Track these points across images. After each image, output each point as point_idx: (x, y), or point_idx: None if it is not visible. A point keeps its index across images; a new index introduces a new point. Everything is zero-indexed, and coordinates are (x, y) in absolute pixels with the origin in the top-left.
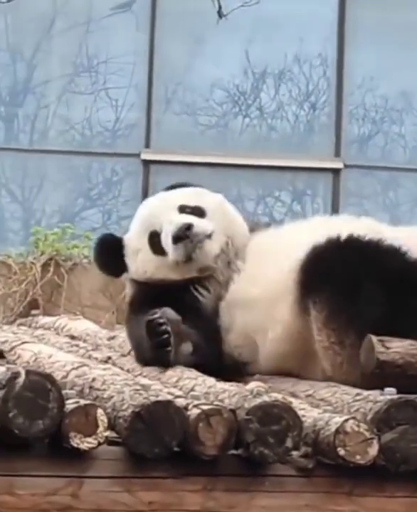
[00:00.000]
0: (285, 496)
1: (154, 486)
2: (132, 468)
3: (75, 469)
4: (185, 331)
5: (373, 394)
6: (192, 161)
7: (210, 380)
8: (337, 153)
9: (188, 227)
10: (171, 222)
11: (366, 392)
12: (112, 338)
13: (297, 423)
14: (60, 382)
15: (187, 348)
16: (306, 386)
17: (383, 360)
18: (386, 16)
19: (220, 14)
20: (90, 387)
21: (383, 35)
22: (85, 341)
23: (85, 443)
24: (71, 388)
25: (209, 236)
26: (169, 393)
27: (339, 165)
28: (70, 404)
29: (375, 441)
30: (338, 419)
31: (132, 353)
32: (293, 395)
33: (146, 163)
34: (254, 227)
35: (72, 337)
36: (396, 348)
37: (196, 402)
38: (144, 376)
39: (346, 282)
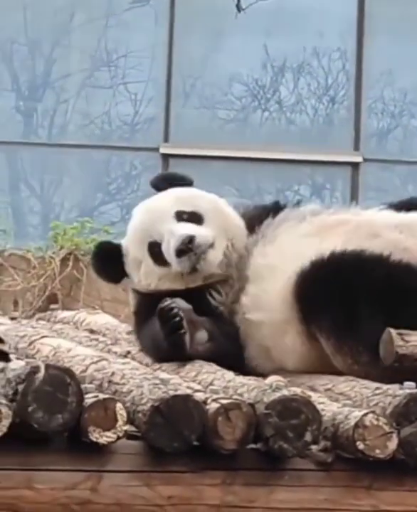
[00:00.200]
0: (304, 490)
1: (173, 480)
2: (151, 463)
3: (94, 463)
4: (197, 319)
5: (393, 388)
6: (211, 155)
7: (230, 374)
8: (356, 147)
9: (191, 240)
10: (171, 232)
11: (385, 386)
12: (132, 332)
13: (316, 417)
14: (79, 377)
15: (202, 335)
16: (325, 380)
17: (402, 353)
18: (404, 10)
19: (238, 8)
20: (109, 382)
21: (402, 28)
22: (104, 335)
23: (104, 437)
24: (90, 382)
25: (211, 245)
26: (188, 387)
27: (358, 159)
28: (89, 399)
29: (394, 436)
30: (357, 413)
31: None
32: (312, 389)
33: (165, 157)
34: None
35: (92, 331)
36: (414, 341)
37: (215, 396)
38: (163, 370)
39: (340, 305)
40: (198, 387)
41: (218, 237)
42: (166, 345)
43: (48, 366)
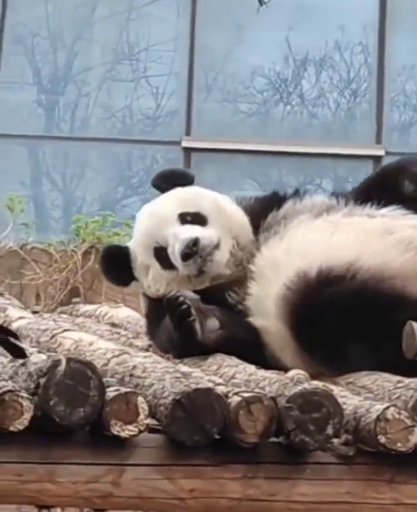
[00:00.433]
0: (326, 483)
1: (195, 474)
2: (172, 456)
3: (115, 457)
4: (206, 307)
5: (415, 381)
6: (233, 149)
7: (251, 368)
8: (378, 141)
9: (195, 242)
10: (175, 236)
11: (407, 380)
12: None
13: (337, 411)
14: (101, 370)
15: (213, 323)
16: (346, 373)
17: None
18: None
19: (260, 1)
20: (131, 375)
21: None
22: (126, 329)
23: (125, 431)
24: (112, 376)
25: (217, 246)
26: (210, 381)
27: (380, 152)
28: (110, 392)
29: (416, 429)
30: (379, 407)
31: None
32: (334, 382)
33: (187, 150)
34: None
35: (113, 325)
36: None
37: (236, 390)
38: (185, 364)
39: (330, 338)
40: (220, 380)
41: (224, 237)
42: (178, 335)
43: (69, 360)
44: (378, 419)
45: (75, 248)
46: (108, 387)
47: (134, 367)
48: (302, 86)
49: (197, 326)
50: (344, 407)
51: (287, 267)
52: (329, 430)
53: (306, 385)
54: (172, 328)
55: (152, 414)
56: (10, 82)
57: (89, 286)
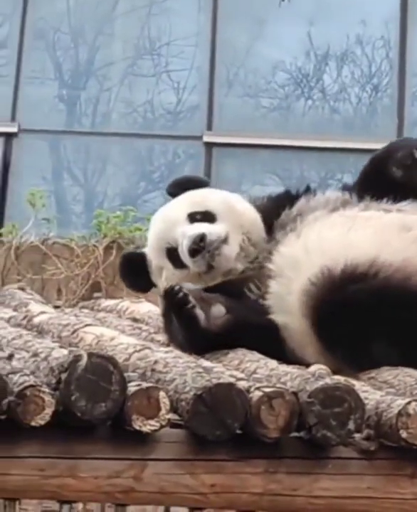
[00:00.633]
0: (347, 478)
1: (216, 469)
2: (194, 451)
3: (137, 452)
4: (210, 295)
5: None
6: (254, 144)
7: (273, 363)
8: (400, 135)
9: (202, 237)
10: (183, 234)
11: None
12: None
13: (359, 405)
14: (123, 365)
15: (218, 309)
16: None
17: None
18: None
19: None
20: (152, 370)
21: None
22: (147, 324)
23: (147, 425)
24: (133, 371)
25: (225, 240)
26: (231, 376)
27: None
28: (132, 387)
29: None
30: (400, 402)
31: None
32: (355, 377)
33: (209, 145)
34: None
35: (135, 320)
36: None
37: (258, 385)
38: (206, 359)
39: (355, 338)
40: (241, 375)
41: (233, 232)
42: (180, 325)
43: (90, 355)
44: (399, 414)
45: (96, 243)
46: (130, 382)
47: (156, 362)
48: (323, 81)
49: (198, 312)
50: (366, 402)
51: (308, 264)
52: (351, 425)
53: (328, 380)
54: (175, 320)
55: (174, 409)
56: (31, 78)
57: (110, 281)
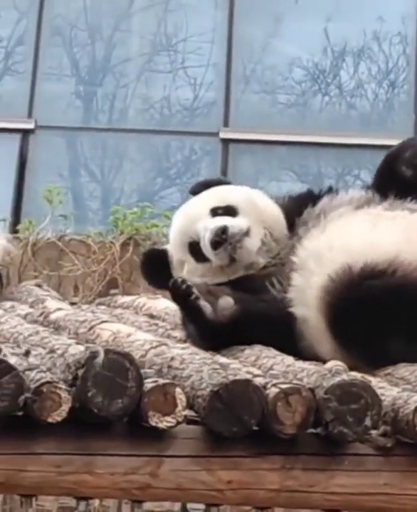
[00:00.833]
0: (364, 475)
1: (233, 465)
2: (210, 447)
3: (153, 448)
4: (216, 288)
5: None
6: (271, 140)
7: (289, 359)
8: None
9: (224, 230)
10: (206, 228)
11: None
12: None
13: (376, 402)
14: (139, 361)
15: (226, 301)
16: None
17: None
18: None
19: None
20: (169, 366)
21: None
22: (164, 320)
23: (163, 422)
24: (150, 367)
25: (246, 233)
26: (248, 372)
27: None
28: (148, 383)
29: None
30: None
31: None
32: (372, 373)
33: (225, 141)
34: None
35: (151, 316)
36: None
37: (274, 381)
38: (223, 355)
39: (371, 336)
40: (258, 371)
41: (254, 225)
42: (185, 316)
43: (107, 351)
44: (416, 410)
45: (113, 239)
46: (146, 378)
47: (172, 358)
48: (340, 77)
49: (202, 303)
50: (383, 398)
51: (331, 259)
52: (368, 421)
53: (344, 377)
54: (181, 313)
55: (190, 405)
56: (48, 74)
57: (127, 277)
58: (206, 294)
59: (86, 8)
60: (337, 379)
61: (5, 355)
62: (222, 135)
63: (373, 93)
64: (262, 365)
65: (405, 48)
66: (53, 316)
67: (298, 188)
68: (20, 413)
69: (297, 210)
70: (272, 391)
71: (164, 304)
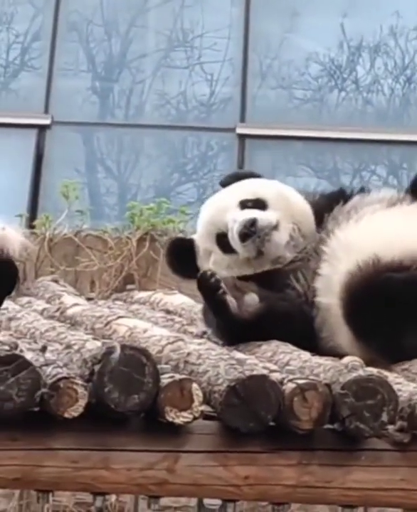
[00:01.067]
0: (381, 470)
1: (250, 461)
2: (227, 443)
3: (170, 444)
4: (243, 284)
5: None
6: (287, 135)
7: (306, 355)
8: None
9: (253, 222)
10: (235, 220)
11: None
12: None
13: (392, 397)
14: (156, 357)
15: (251, 298)
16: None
17: None
18: None
19: None
20: (185, 362)
21: None
22: (180, 316)
23: (180, 417)
24: (166, 363)
25: (275, 227)
26: (264, 367)
27: None
28: (165, 379)
29: None
30: None
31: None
32: (388, 369)
33: (242, 137)
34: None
35: (168, 311)
36: None
37: (291, 377)
38: (239, 351)
39: (389, 330)
40: (274, 367)
41: (283, 220)
42: (211, 311)
43: (124, 347)
44: None
45: (129, 235)
46: (163, 374)
47: (189, 354)
48: (356, 72)
49: (228, 298)
50: (399, 393)
51: (360, 250)
52: (384, 417)
53: (361, 372)
54: (206, 306)
55: (207, 401)
56: (64, 70)
57: (143, 273)
58: (233, 288)
59: (102, 3)
60: (354, 374)
61: (22, 350)
62: (238, 131)
63: (389, 88)
64: (278, 361)
65: None
66: (69, 312)
67: (314, 183)
68: (37, 409)
69: (328, 206)
70: (289, 386)
71: (181, 300)
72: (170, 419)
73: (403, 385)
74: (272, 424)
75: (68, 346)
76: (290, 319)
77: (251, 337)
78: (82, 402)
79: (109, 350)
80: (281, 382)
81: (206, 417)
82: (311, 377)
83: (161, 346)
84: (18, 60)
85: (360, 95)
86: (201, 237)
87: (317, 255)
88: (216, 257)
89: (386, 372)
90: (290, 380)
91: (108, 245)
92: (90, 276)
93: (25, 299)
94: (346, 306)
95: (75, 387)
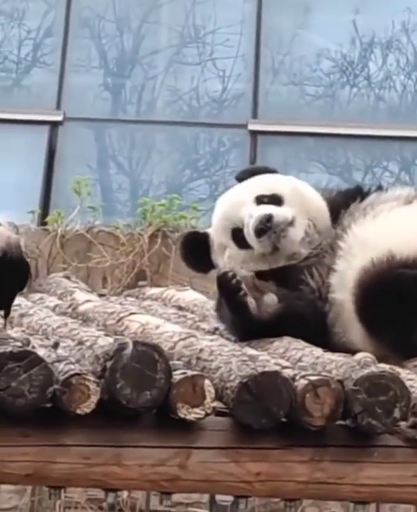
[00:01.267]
0: (393, 466)
1: (262, 457)
2: (239, 439)
3: (182, 440)
4: (262, 283)
5: None
6: (299, 132)
7: (318, 351)
8: None
9: (269, 218)
10: (251, 215)
11: None
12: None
13: (404, 393)
14: (168, 353)
15: (270, 298)
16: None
17: None
18: None
19: None
20: (198, 358)
21: None
22: (192, 312)
23: (192, 414)
24: (178, 359)
25: (291, 223)
26: (277, 364)
27: None
28: (177, 375)
29: None
30: None
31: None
32: (401, 365)
33: (254, 133)
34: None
35: (180, 308)
36: None
37: (303, 373)
38: (252, 347)
39: (402, 325)
40: (287, 363)
41: (299, 216)
42: (230, 312)
43: (136, 343)
44: None
45: (141, 231)
46: (175, 370)
47: (201, 350)
48: (368, 68)
49: (248, 299)
50: (412, 390)
51: (375, 246)
52: (397, 413)
53: (373, 368)
54: (226, 306)
55: (219, 397)
56: (77, 66)
57: (155, 269)
58: (252, 288)
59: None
60: (366, 371)
61: (34, 347)
62: (250, 127)
63: (401, 85)
64: (290, 357)
65: None
66: (81, 308)
67: (326, 179)
68: (49, 405)
69: (344, 203)
70: (301, 383)
71: (193, 296)
72: (182, 416)
73: (415, 381)
74: (284, 420)
75: (80, 342)
76: (307, 319)
77: (269, 336)
78: (94, 399)
79: (122, 347)
80: (293, 379)
81: (218, 413)
82: (323, 373)
83: (174, 342)
84: (30, 57)
85: (372, 91)
86: (216, 232)
87: (332, 251)
88: (231, 251)
89: (398, 369)
90: (302, 377)
91: (120, 242)
92: (102, 273)
93: (37, 296)
94: (359, 302)
95: (87, 383)
